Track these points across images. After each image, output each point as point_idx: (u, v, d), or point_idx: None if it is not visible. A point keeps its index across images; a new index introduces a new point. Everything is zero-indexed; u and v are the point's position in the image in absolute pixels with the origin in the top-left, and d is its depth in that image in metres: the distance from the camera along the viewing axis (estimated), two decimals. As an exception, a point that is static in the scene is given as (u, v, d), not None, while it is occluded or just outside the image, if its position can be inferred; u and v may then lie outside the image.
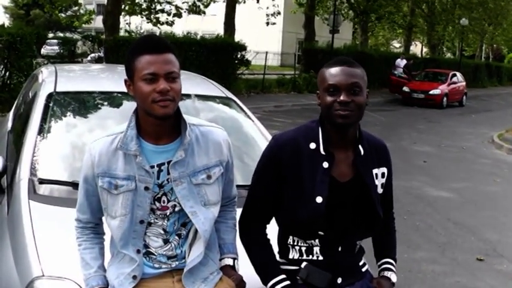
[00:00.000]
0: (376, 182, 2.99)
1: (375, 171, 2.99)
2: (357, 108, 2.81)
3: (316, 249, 2.94)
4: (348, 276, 2.99)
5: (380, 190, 3.02)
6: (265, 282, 2.98)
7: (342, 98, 2.79)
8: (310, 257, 2.96)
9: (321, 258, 2.94)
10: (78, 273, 2.99)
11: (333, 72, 2.85)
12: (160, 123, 2.76)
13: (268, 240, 3.07)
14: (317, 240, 2.93)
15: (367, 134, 3.05)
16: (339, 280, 2.95)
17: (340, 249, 2.94)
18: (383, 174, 3.04)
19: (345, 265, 2.97)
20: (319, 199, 2.85)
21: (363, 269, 3.11)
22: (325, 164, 2.89)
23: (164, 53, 2.71)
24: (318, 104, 2.90)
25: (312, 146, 2.93)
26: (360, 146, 2.95)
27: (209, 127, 2.97)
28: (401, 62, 35.07)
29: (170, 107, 2.70)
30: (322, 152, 2.91)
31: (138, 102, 2.77)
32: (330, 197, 2.86)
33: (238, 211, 3.16)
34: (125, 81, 2.81)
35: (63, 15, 61.49)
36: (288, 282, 2.93)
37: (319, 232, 2.89)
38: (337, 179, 2.91)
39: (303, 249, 2.97)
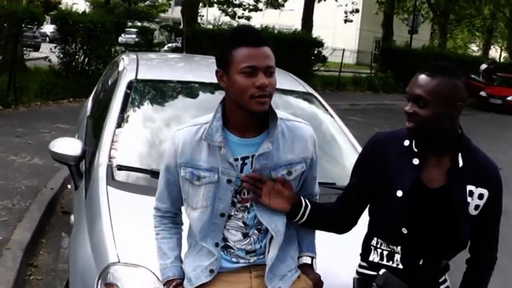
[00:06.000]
0: (469, 199, 2.79)
1: (470, 187, 2.80)
2: (422, 121, 2.69)
3: (397, 257, 2.84)
4: None
5: (473, 212, 2.81)
6: None
7: (405, 107, 2.74)
8: (390, 263, 2.86)
9: (400, 266, 2.84)
10: (154, 262, 2.98)
11: (413, 79, 2.77)
12: (251, 117, 2.71)
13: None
14: (399, 248, 2.83)
15: (477, 149, 2.89)
16: None
17: (421, 262, 2.82)
18: (481, 196, 2.81)
19: (423, 280, 2.84)
20: (399, 193, 2.76)
21: (442, 287, 2.95)
22: (416, 161, 2.79)
23: (263, 46, 2.66)
24: None
25: (406, 143, 2.85)
26: (460, 157, 2.80)
27: (296, 122, 2.91)
28: (483, 66, 34.27)
29: (267, 104, 2.66)
30: (415, 149, 2.82)
31: (232, 95, 2.70)
32: (414, 199, 2.76)
33: None
34: (217, 72, 2.75)
35: (142, 4, 62.57)
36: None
37: (403, 229, 2.77)
38: (426, 184, 2.79)
39: (385, 253, 2.88)
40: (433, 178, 2.80)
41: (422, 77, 2.71)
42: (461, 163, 2.78)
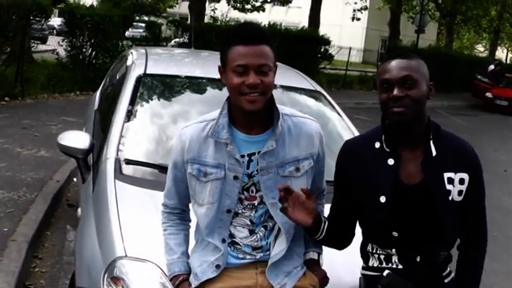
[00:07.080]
0: (449, 187, 2.75)
1: (448, 175, 2.76)
2: (413, 103, 2.66)
3: (395, 258, 2.83)
4: None
5: (458, 198, 2.78)
6: None
7: (394, 93, 2.67)
8: (390, 265, 2.84)
9: (400, 267, 2.82)
10: (161, 257, 3.00)
11: (386, 67, 2.74)
12: (248, 116, 2.73)
13: None
14: (394, 250, 2.82)
15: (448, 134, 2.87)
16: None
17: (418, 259, 2.80)
18: (462, 181, 2.78)
19: (424, 276, 2.82)
20: (382, 198, 2.74)
21: (446, 280, 2.91)
22: (390, 161, 2.76)
23: (258, 45, 2.66)
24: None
25: (377, 145, 2.83)
26: (432, 145, 2.77)
27: (302, 118, 2.92)
28: (491, 67, 34.12)
29: (258, 102, 2.66)
30: (387, 149, 2.79)
31: (228, 92, 2.75)
32: (397, 201, 2.74)
33: (327, 206, 3.07)
34: (219, 68, 2.79)
35: (149, -2, 62.37)
36: None
37: (393, 233, 2.76)
38: (404, 181, 2.76)
39: (382, 257, 2.86)
40: (411, 174, 2.77)
41: (401, 61, 2.71)
42: (434, 152, 2.76)
